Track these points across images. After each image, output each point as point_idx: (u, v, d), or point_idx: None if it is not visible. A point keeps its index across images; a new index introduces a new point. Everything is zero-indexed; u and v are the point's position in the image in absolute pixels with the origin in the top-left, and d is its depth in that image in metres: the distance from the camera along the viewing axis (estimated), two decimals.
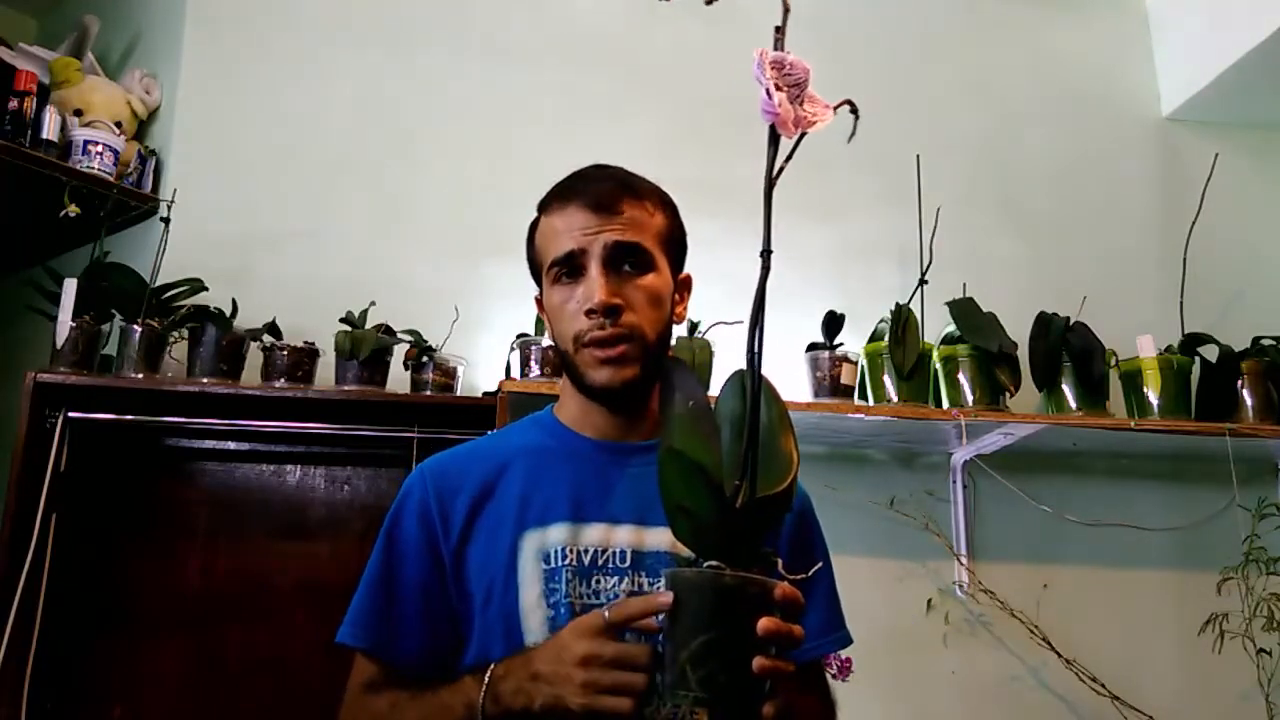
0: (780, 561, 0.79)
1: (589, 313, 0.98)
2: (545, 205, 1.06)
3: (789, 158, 0.78)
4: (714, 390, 1.96)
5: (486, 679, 0.89)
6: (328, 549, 1.96)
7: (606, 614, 0.84)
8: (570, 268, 1.01)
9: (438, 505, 1.02)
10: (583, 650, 0.83)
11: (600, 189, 1.03)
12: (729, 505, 0.79)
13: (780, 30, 0.76)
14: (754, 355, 0.81)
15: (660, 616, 0.82)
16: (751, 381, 0.81)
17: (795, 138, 0.76)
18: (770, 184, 0.78)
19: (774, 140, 0.77)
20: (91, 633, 1.82)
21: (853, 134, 0.78)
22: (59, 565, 1.75)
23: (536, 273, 1.09)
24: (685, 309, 1.11)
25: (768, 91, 0.72)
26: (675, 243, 1.08)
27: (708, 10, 0.78)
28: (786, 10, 0.77)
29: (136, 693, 1.83)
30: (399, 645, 0.99)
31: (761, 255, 0.80)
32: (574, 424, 1.07)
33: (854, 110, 0.77)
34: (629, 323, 0.98)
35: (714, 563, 0.79)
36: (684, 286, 1.10)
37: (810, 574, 0.79)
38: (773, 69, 0.73)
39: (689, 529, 0.83)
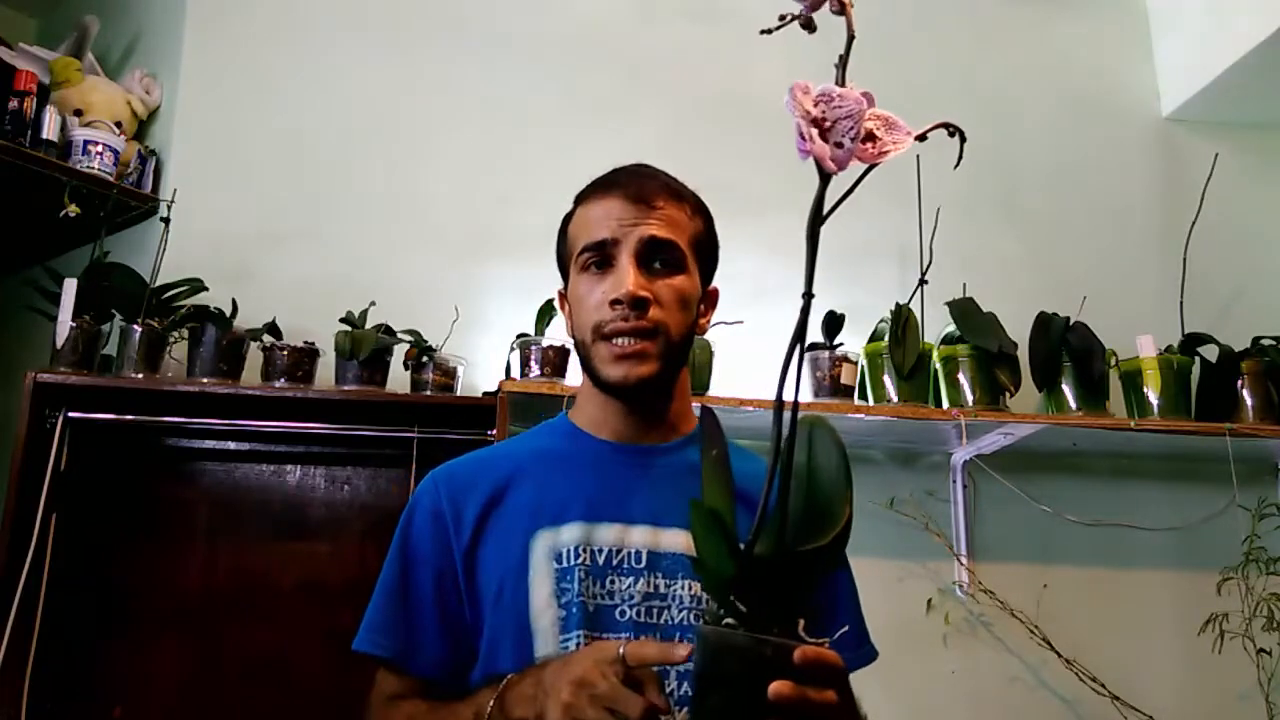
0: (801, 622, 0.74)
1: (614, 303, 0.97)
2: (583, 196, 1.06)
3: (846, 195, 0.72)
4: (713, 390, 1.97)
5: (501, 687, 0.87)
6: (328, 549, 1.95)
7: (623, 649, 0.80)
8: (601, 257, 1.00)
9: (450, 508, 1.01)
10: (580, 672, 0.79)
11: (642, 183, 1.02)
12: (745, 559, 0.75)
13: (843, 61, 0.71)
14: (786, 403, 0.76)
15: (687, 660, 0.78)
16: (779, 428, 0.76)
17: (860, 172, 0.71)
18: (815, 224, 0.74)
19: (824, 179, 0.72)
20: (91, 633, 1.82)
21: (959, 160, 0.72)
22: (59, 565, 1.75)
23: (564, 265, 1.08)
24: (709, 322, 1.10)
25: (799, 128, 0.67)
26: (707, 251, 1.07)
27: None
28: (851, 38, 0.71)
29: (136, 693, 1.83)
30: (419, 652, 0.98)
31: (804, 297, 0.75)
32: (590, 427, 1.06)
33: (953, 133, 0.72)
34: (655, 318, 0.97)
35: (730, 620, 0.76)
36: (711, 300, 1.09)
37: (835, 637, 0.74)
38: (819, 102, 0.68)
39: (706, 582, 0.81)
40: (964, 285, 2.20)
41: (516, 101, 2.32)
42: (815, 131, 0.68)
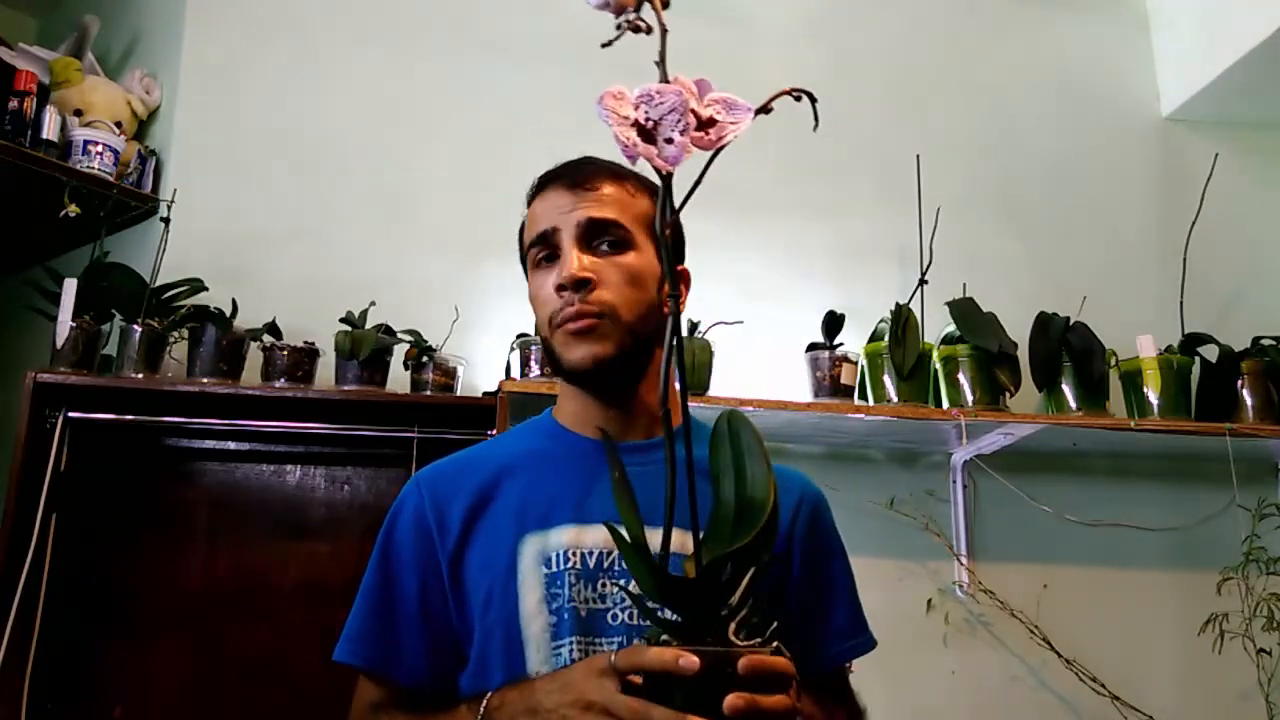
0: (731, 626, 0.73)
1: (559, 289, 0.96)
2: (529, 196, 1.05)
3: (693, 189, 0.72)
4: (713, 390, 1.97)
5: (482, 708, 0.85)
6: (328, 549, 1.96)
7: (613, 659, 0.77)
8: (548, 249, 0.99)
9: (434, 512, 0.98)
10: (577, 693, 0.77)
11: (579, 169, 1.02)
12: (663, 577, 0.75)
13: (662, 56, 0.71)
14: (680, 403, 0.77)
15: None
16: (669, 433, 0.77)
17: (708, 157, 0.70)
18: (665, 223, 0.73)
19: (664, 178, 0.71)
20: (91, 633, 1.82)
21: (816, 123, 0.70)
22: (59, 565, 1.75)
23: (526, 270, 1.07)
24: (683, 303, 1.05)
25: (616, 135, 0.66)
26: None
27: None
28: (664, 31, 0.71)
29: (137, 692, 1.83)
30: (400, 660, 0.96)
31: (669, 298, 0.74)
32: (573, 425, 1.04)
33: (799, 97, 0.70)
34: (600, 299, 0.95)
35: (665, 637, 0.75)
36: (680, 279, 1.06)
37: (769, 635, 0.73)
38: (640, 104, 0.67)
39: (639, 607, 0.81)
40: (964, 285, 2.20)
41: (516, 101, 2.32)
42: (634, 134, 0.66)
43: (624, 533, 0.79)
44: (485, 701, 0.86)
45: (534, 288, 1.01)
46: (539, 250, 1.00)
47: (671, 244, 1.03)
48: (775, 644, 0.74)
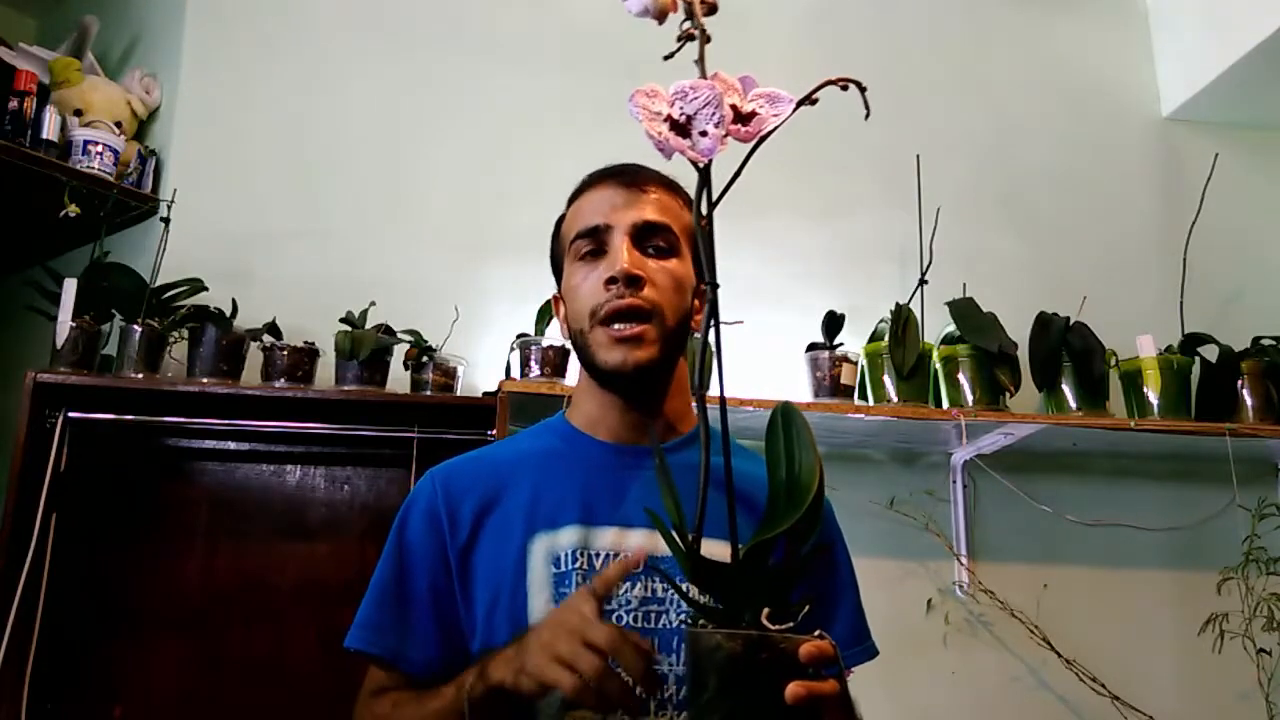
0: (766, 611, 0.74)
1: (609, 282, 0.96)
2: (575, 194, 1.06)
3: (732, 180, 0.72)
4: (713, 390, 1.97)
5: (483, 660, 0.86)
6: (328, 549, 1.95)
7: (593, 584, 0.82)
8: (595, 244, 0.99)
9: (446, 507, 1.00)
10: (556, 617, 0.80)
11: (635, 172, 1.02)
12: (698, 562, 0.76)
13: (700, 55, 0.71)
14: (720, 394, 0.80)
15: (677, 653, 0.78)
16: (705, 420, 0.78)
17: (750, 146, 0.71)
18: (702, 214, 0.73)
19: (700, 170, 0.72)
20: (91, 633, 1.82)
21: (867, 113, 0.70)
22: (59, 565, 1.75)
23: (558, 264, 1.07)
24: (700, 320, 1.08)
25: (647, 132, 0.67)
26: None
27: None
28: (703, 32, 0.71)
29: (137, 693, 1.83)
30: (412, 651, 0.97)
31: (709, 287, 0.75)
32: (586, 426, 1.04)
33: (845, 87, 0.70)
34: (650, 298, 0.96)
35: (702, 621, 0.76)
36: (703, 296, 1.07)
37: (800, 618, 0.74)
38: (675, 100, 0.68)
39: (678, 592, 0.85)
40: (964, 285, 2.20)
41: (516, 101, 2.32)
42: (665, 128, 0.67)
43: (674, 537, 0.80)
44: (485, 658, 0.87)
45: (575, 279, 1.01)
46: (585, 244, 1.00)
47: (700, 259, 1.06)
48: (818, 631, 0.74)
